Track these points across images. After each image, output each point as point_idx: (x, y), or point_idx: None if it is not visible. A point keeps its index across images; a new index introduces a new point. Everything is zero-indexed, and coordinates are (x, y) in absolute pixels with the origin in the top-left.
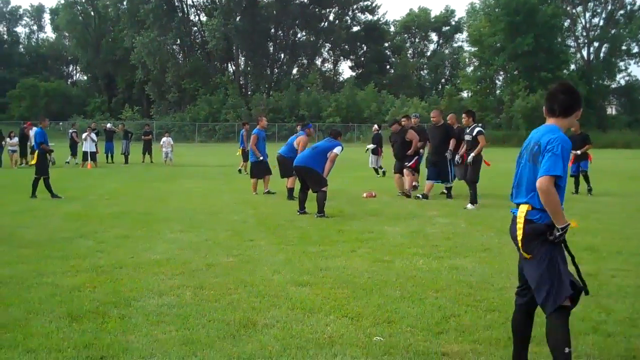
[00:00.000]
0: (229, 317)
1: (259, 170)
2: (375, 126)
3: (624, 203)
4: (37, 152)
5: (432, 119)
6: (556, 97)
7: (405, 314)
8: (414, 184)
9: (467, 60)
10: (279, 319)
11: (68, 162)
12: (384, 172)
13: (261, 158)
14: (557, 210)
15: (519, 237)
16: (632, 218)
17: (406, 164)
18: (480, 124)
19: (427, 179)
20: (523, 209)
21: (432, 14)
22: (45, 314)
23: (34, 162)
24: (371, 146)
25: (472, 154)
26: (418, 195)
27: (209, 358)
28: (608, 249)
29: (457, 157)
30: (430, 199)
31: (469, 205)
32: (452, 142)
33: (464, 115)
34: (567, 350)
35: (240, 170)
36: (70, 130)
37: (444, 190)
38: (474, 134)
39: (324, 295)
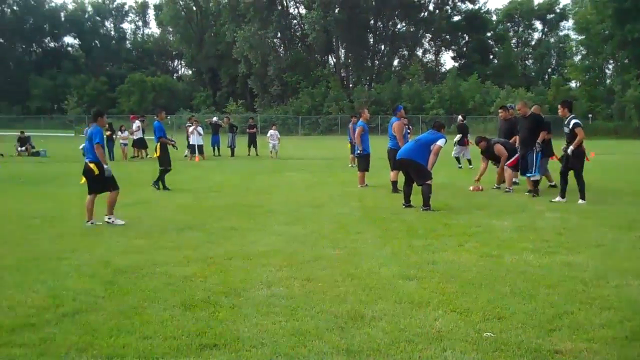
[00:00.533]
0: (337, 309)
1: (366, 162)
2: (460, 117)
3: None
4: (158, 144)
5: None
6: None
7: (516, 310)
8: (514, 179)
9: (574, 49)
10: (386, 312)
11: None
12: (469, 161)
13: (361, 150)
14: None
15: None
16: None
17: (507, 163)
18: (574, 115)
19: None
20: None
21: (535, 2)
22: (159, 302)
23: (156, 155)
24: (457, 137)
25: (571, 147)
26: (507, 189)
27: (317, 349)
28: None
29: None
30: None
31: (580, 201)
32: (541, 135)
33: (559, 106)
34: None
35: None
36: (187, 124)
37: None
38: (570, 126)
39: (432, 289)
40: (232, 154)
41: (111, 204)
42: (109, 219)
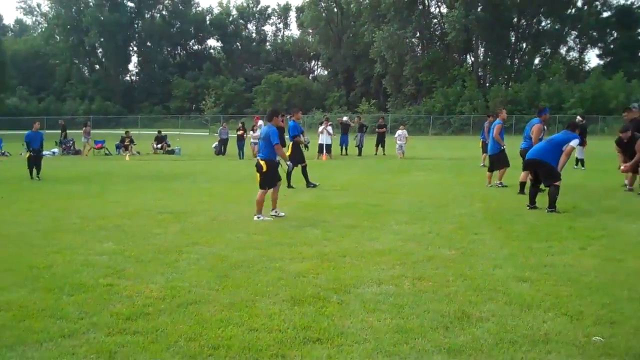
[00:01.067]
0: (444, 308)
1: (499, 161)
2: (579, 117)
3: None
4: (291, 143)
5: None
6: None
7: (631, 315)
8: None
9: None
10: (494, 313)
11: None
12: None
13: (503, 147)
14: None
15: None
16: None
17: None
18: None
19: None
20: None
21: None
22: (270, 297)
23: (288, 153)
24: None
25: None
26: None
27: (419, 347)
28: None
29: None
30: None
31: None
32: None
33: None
34: None
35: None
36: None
37: None
38: None
39: (545, 291)
40: (360, 153)
41: (274, 199)
42: (275, 212)
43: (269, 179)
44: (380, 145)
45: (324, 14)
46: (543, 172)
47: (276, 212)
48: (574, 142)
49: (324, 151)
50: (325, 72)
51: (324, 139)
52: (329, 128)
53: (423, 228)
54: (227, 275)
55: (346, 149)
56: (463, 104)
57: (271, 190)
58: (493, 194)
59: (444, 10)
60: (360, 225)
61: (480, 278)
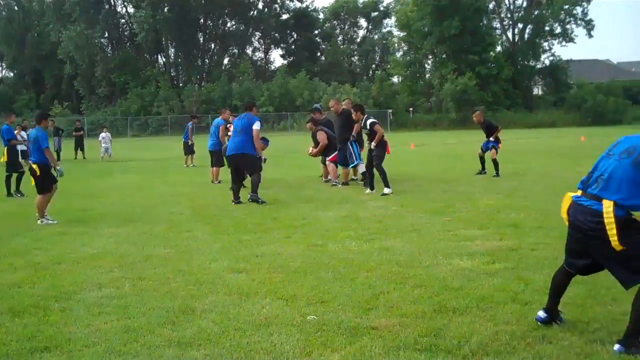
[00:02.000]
0: (168, 304)
1: (219, 159)
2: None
3: (547, 180)
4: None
5: (330, 108)
6: None
7: (338, 293)
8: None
9: (396, 45)
10: (216, 304)
11: None
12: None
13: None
14: None
15: (614, 232)
16: (554, 194)
17: (327, 158)
18: (367, 115)
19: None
20: (609, 204)
21: (360, 0)
22: None
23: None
24: None
25: (374, 143)
26: (333, 182)
27: (150, 343)
28: (530, 225)
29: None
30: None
31: (385, 190)
32: (355, 127)
33: (353, 111)
34: None
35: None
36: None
37: (354, 177)
38: (367, 126)
39: (260, 279)
40: (59, 158)
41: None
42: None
43: (42, 184)
44: (79, 149)
45: (3, 12)
46: (246, 164)
47: (45, 220)
48: (257, 125)
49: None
50: (11, 74)
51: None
52: (22, 133)
53: (136, 229)
54: None
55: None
56: (159, 105)
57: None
58: (199, 192)
59: (131, 10)
60: (71, 232)
61: (199, 272)
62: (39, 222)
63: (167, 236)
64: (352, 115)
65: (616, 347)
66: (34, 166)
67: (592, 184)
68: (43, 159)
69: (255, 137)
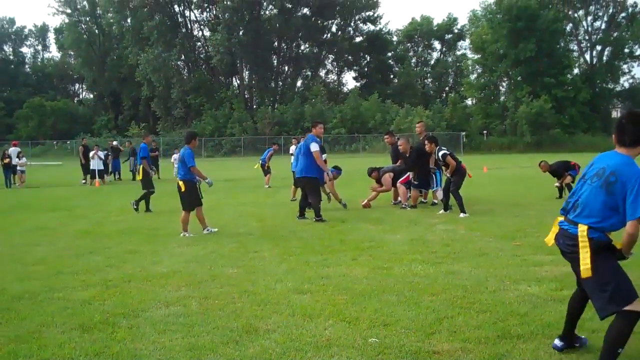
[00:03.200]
0: (232, 324)
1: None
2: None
3: None
4: (141, 167)
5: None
6: (625, 127)
7: (401, 317)
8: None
9: (470, 67)
10: (279, 324)
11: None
12: None
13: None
14: (632, 246)
15: (587, 256)
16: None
17: (398, 180)
18: (439, 147)
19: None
20: (583, 228)
21: (435, 22)
22: (57, 326)
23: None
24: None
25: (448, 174)
26: (403, 205)
27: None
28: None
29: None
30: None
31: (461, 215)
32: (430, 160)
33: (426, 142)
34: (619, 350)
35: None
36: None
37: (424, 200)
38: (440, 157)
39: (324, 301)
40: (134, 178)
41: (201, 218)
42: (207, 230)
43: (188, 200)
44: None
45: (85, 36)
46: (308, 188)
47: (208, 229)
48: (313, 146)
49: (97, 177)
50: (91, 96)
51: (95, 165)
52: (100, 153)
53: (205, 249)
54: (8, 309)
55: (119, 174)
56: (233, 126)
57: (196, 210)
58: (268, 213)
59: (207, 33)
60: (142, 250)
61: (264, 293)
62: (181, 234)
63: (235, 256)
64: (426, 146)
65: None
66: (180, 183)
67: (570, 210)
68: (189, 177)
69: (316, 157)
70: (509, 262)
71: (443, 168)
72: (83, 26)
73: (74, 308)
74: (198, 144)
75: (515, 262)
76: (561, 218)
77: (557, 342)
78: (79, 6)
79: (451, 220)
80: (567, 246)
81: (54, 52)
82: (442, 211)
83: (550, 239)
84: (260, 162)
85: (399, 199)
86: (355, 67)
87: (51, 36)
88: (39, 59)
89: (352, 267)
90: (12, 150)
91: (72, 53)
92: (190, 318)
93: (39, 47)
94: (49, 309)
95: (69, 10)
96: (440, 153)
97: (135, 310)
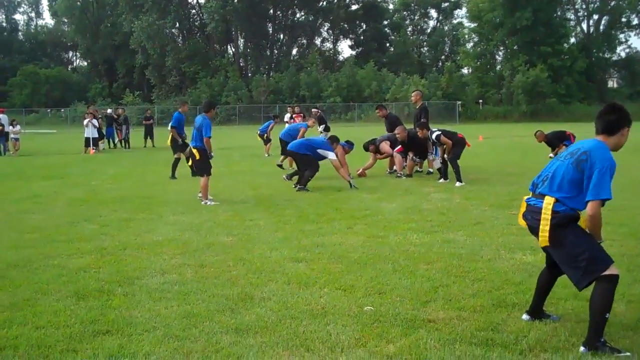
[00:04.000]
0: (228, 292)
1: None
2: (313, 109)
3: (616, 177)
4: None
5: (411, 99)
6: (600, 117)
7: (396, 285)
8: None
9: (466, 36)
10: (275, 292)
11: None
12: None
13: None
14: (599, 230)
15: (546, 228)
16: (624, 190)
17: (394, 150)
18: (432, 130)
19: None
20: (550, 200)
21: None
22: (52, 294)
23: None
24: (321, 127)
25: (446, 156)
26: (398, 174)
27: (208, 329)
28: None
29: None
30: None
31: (457, 183)
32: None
33: (418, 129)
34: (607, 315)
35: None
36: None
37: (419, 169)
38: (434, 138)
39: (319, 269)
40: (128, 146)
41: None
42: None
43: (202, 167)
44: (149, 137)
45: (78, 3)
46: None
47: (207, 201)
48: (332, 156)
49: (91, 145)
50: (85, 63)
51: (89, 133)
52: (95, 121)
53: (200, 217)
54: (3, 276)
55: (113, 142)
56: (228, 94)
57: (203, 178)
58: (264, 181)
59: (201, 0)
60: (136, 218)
61: (259, 261)
62: (203, 203)
63: (230, 224)
64: (418, 132)
65: (581, 349)
66: (194, 150)
67: (539, 184)
68: (203, 145)
69: (336, 167)
70: (504, 230)
71: (439, 149)
72: None
73: (69, 276)
74: (191, 111)
75: (510, 230)
76: (529, 195)
77: (524, 316)
78: None
79: (447, 189)
80: (535, 221)
81: (47, 19)
82: (442, 180)
83: (521, 220)
84: (259, 132)
85: (395, 167)
86: (351, 36)
87: (44, 3)
88: (32, 26)
89: (348, 235)
90: (2, 117)
91: (65, 20)
92: (186, 286)
93: (32, 14)
94: (44, 277)
95: None
96: (434, 135)
97: (131, 278)
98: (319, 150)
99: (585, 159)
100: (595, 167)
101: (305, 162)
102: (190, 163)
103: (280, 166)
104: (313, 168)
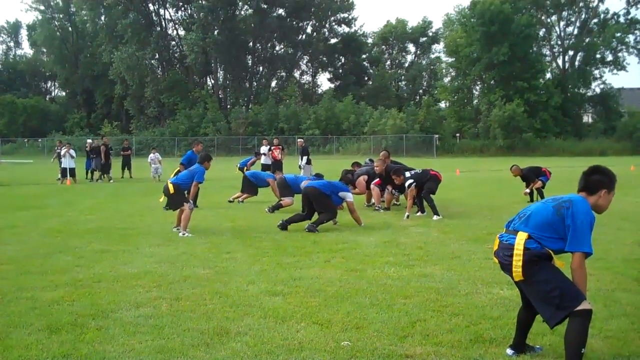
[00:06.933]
0: (204, 326)
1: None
2: (300, 140)
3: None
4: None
5: (375, 168)
6: (583, 176)
7: (374, 319)
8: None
9: (444, 70)
10: (251, 327)
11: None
12: None
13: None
14: (584, 284)
15: (519, 264)
16: (599, 224)
17: (372, 182)
18: (405, 177)
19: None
20: (522, 236)
21: (409, 25)
22: (24, 327)
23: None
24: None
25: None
26: (376, 207)
27: None
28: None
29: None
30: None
31: (434, 217)
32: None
33: (394, 177)
34: (582, 350)
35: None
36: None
37: (396, 203)
38: (407, 185)
39: (296, 303)
40: (91, 178)
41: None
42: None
43: (175, 201)
44: (126, 168)
45: (58, 33)
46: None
47: (184, 233)
48: (349, 196)
49: (68, 175)
50: (64, 93)
51: (66, 163)
52: (72, 151)
53: (176, 249)
54: None
55: (91, 173)
56: (207, 126)
57: (182, 210)
58: (241, 214)
59: (181, 32)
60: (112, 250)
61: (236, 295)
62: (180, 234)
63: (207, 257)
64: (395, 181)
65: None
66: (171, 185)
67: (515, 221)
68: (186, 186)
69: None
70: (482, 264)
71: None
72: (56, 23)
73: (42, 308)
74: (169, 142)
75: (488, 265)
76: (502, 231)
77: (508, 351)
78: (52, 3)
79: (424, 223)
80: (505, 257)
81: (26, 49)
82: (418, 213)
83: (494, 256)
84: (239, 165)
85: (372, 200)
86: (329, 69)
87: (24, 33)
88: (11, 56)
89: (325, 269)
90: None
91: (44, 50)
92: (161, 320)
93: (11, 44)
94: (16, 309)
95: (42, 7)
96: (407, 183)
97: (105, 311)
98: (340, 194)
99: (567, 206)
100: (577, 218)
101: (324, 204)
102: (162, 199)
103: (231, 201)
104: (330, 213)
